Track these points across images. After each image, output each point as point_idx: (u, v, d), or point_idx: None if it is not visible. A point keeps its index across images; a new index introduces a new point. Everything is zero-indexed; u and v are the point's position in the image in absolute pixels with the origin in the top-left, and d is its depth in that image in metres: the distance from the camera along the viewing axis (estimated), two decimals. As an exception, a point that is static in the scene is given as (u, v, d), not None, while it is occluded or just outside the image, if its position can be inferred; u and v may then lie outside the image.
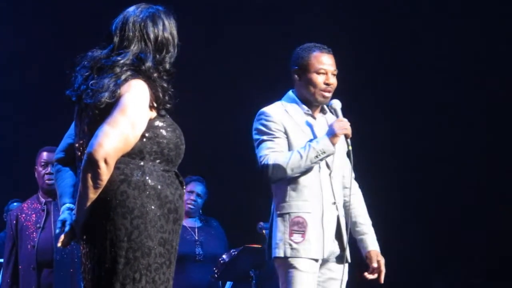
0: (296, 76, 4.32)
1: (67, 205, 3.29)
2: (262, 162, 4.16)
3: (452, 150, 7.32)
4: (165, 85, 3.24)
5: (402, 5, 7.41)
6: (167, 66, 3.27)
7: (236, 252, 6.07)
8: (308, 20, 7.12)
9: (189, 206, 6.42)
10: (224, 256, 6.05)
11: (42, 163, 5.41)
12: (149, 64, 3.22)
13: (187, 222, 6.41)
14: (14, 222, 5.40)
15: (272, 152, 4.17)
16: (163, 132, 3.22)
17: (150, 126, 3.19)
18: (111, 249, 3.11)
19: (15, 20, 7.55)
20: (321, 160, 4.18)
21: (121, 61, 3.20)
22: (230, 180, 6.86)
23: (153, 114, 3.21)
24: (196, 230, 6.43)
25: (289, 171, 4.14)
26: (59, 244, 3.28)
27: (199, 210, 6.54)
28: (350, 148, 4.24)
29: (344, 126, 4.21)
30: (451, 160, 7.32)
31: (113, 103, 3.13)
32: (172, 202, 3.19)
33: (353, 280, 4.40)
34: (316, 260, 4.18)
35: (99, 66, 3.23)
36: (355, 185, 4.43)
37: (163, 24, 3.29)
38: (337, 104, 4.32)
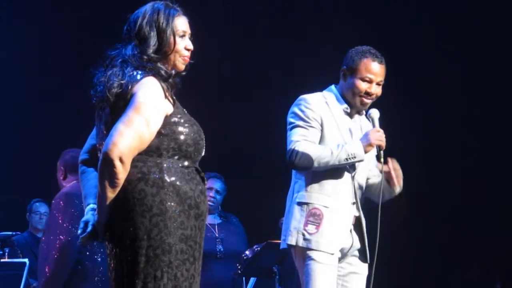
0: (343, 75, 4.32)
1: (91, 205, 3.28)
2: (293, 147, 4.16)
3: (472, 145, 7.26)
4: (165, 75, 3.22)
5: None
6: (149, 54, 3.24)
7: (259, 248, 6.06)
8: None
9: (208, 203, 6.40)
10: (247, 252, 6.04)
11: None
12: (131, 55, 3.21)
13: (207, 219, 6.39)
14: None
15: (304, 140, 4.17)
16: (180, 128, 3.21)
17: (167, 122, 3.18)
18: (132, 248, 3.11)
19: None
20: (349, 163, 4.18)
21: (117, 56, 3.23)
22: (252, 176, 6.86)
23: (170, 110, 3.20)
24: (216, 227, 6.42)
25: (315, 164, 4.13)
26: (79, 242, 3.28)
27: (218, 207, 6.53)
28: (382, 160, 4.22)
29: (380, 137, 4.21)
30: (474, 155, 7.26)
31: (125, 102, 3.13)
32: (192, 198, 3.18)
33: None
34: (332, 254, 4.16)
35: (108, 63, 3.25)
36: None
37: (148, 19, 3.27)
38: (375, 113, 4.31)
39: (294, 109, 4.28)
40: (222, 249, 6.30)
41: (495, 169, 7.27)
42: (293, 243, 4.17)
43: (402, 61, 7.15)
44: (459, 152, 7.33)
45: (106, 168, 3.07)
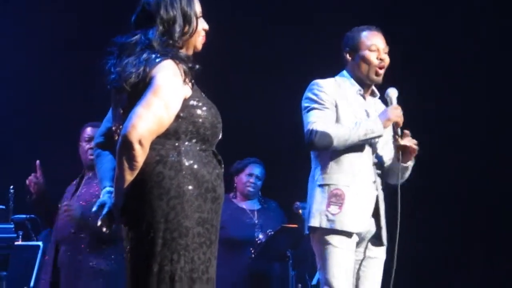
0: (348, 56, 4.38)
1: (107, 188, 3.28)
2: (311, 128, 4.19)
3: (495, 135, 7.20)
4: (184, 58, 3.22)
5: None
6: (176, 38, 3.24)
7: (273, 232, 6.06)
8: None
9: (249, 188, 6.40)
10: (260, 236, 6.05)
11: (86, 138, 5.39)
12: (157, 41, 3.20)
13: (246, 205, 6.40)
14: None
15: (321, 121, 4.20)
16: (198, 111, 3.21)
17: (185, 105, 3.18)
18: (149, 230, 3.11)
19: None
20: (368, 139, 4.21)
21: (137, 42, 3.21)
22: (266, 160, 6.84)
23: (188, 93, 3.20)
24: (256, 213, 6.40)
25: (335, 142, 4.17)
26: (99, 223, 3.27)
27: (258, 192, 6.51)
28: (399, 138, 4.26)
29: (398, 114, 4.27)
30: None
31: (144, 85, 3.13)
32: (209, 181, 3.18)
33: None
34: (351, 235, 4.16)
35: (122, 51, 3.23)
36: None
37: (170, 1, 3.26)
38: (393, 92, 4.35)
39: (308, 94, 4.32)
40: (261, 236, 6.30)
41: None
42: (317, 224, 4.18)
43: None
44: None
45: (125, 151, 3.07)
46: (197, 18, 3.30)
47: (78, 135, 5.48)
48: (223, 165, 3.30)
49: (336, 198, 4.17)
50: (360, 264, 4.28)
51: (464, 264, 7.23)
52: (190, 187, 3.13)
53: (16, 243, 5.64)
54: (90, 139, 5.34)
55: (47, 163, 5.46)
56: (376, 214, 4.27)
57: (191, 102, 3.20)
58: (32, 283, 5.68)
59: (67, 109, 7.29)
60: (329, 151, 4.21)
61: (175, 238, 3.10)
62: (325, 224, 4.17)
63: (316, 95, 4.28)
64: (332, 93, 4.28)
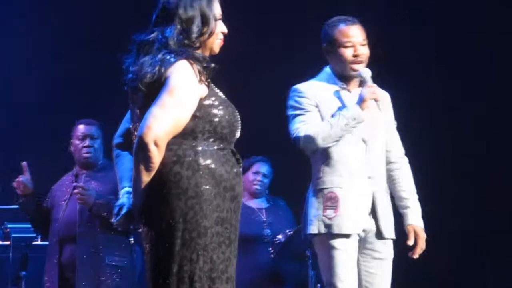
0: (326, 53, 4.31)
1: (126, 189, 3.28)
2: (294, 135, 4.17)
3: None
4: (199, 58, 3.21)
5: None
6: (193, 38, 3.23)
7: (291, 232, 6.04)
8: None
9: (256, 187, 6.38)
10: (279, 236, 6.03)
11: (80, 136, 5.40)
12: (174, 39, 3.20)
13: (254, 203, 6.39)
14: (48, 198, 5.46)
15: (303, 125, 4.16)
16: (215, 110, 3.20)
17: (201, 105, 3.17)
18: (167, 231, 3.11)
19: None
20: (352, 127, 4.13)
21: (155, 40, 3.20)
22: (292, 160, 6.81)
23: (204, 92, 3.19)
24: (264, 211, 6.38)
25: (320, 141, 4.12)
26: (114, 223, 3.27)
27: (265, 191, 6.49)
28: (380, 109, 4.20)
29: (372, 91, 4.18)
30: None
31: (160, 85, 3.12)
32: (227, 180, 3.17)
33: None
34: (349, 236, 4.12)
35: (140, 49, 3.23)
36: (401, 159, 4.37)
37: (190, 1, 3.24)
38: (366, 72, 4.25)
39: (289, 102, 4.28)
40: (270, 233, 6.28)
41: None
42: (315, 231, 4.15)
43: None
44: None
45: (141, 152, 3.07)
46: (216, 20, 3.29)
47: (70, 132, 5.48)
48: (241, 164, 3.29)
49: (331, 202, 4.12)
50: (363, 265, 4.21)
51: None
52: (208, 187, 3.12)
53: (34, 243, 5.66)
54: (84, 137, 5.39)
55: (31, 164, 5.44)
56: (373, 211, 4.21)
57: (207, 102, 3.19)
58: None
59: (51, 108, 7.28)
60: (321, 155, 4.16)
61: (193, 238, 3.09)
62: (323, 230, 4.12)
63: (296, 101, 4.23)
64: (312, 96, 4.21)
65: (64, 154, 5.54)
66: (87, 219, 5.18)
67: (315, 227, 4.15)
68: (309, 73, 4.40)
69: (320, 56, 4.37)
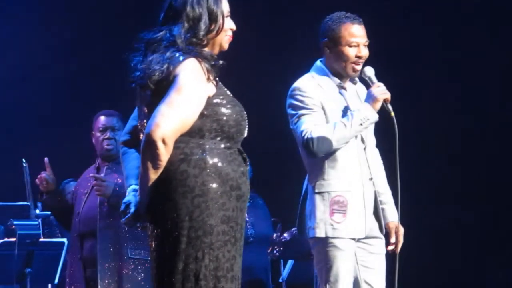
0: (326, 48, 4.22)
1: (133, 186, 3.28)
2: (306, 136, 4.06)
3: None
4: (207, 57, 3.21)
5: None
6: (201, 36, 3.23)
7: (296, 231, 6.03)
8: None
9: None
10: (285, 235, 6.02)
11: (100, 128, 5.31)
12: (182, 37, 3.19)
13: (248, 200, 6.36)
14: (73, 190, 5.44)
15: (314, 126, 4.08)
16: (223, 109, 3.20)
17: (209, 103, 3.17)
18: (173, 228, 3.11)
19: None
20: (365, 128, 4.11)
21: (162, 38, 3.20)
22: (273, 159, 6.82)
23: (212, 91, 3.19)
24: None
25: (334, 143, 4.06)
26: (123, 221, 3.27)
27: None
28: (393, 114, 4.15)
29: (383, 91, 4.14)
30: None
31: (168, 83, 3.13)
32: (234, 179, 3.17)
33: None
34: (355, 240, 4.12)
35: (147, 47, 3.23)
36: (377, 154, 4.35)
37: (198, 0, 3.24)
38: (370, 71, 4.23)
39: (291, 101, 4.20)
40: (253, 233, 6.27)
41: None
42: (323, 235, 4.09)
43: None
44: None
45: (149, 150, 3.07)
46: (223, 17, 3.28)
47: (91, 124, 5.40)
48: (248, 163, 3.29)
49: (339, 205, 4.07)
50: (361, 261, 4.18)
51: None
52: (214, 185, 3.13)
53: (40, 239, 5.65)
54: (105, 129, 5.30)
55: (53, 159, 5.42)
56: (375, 211, 4.20)
57: (215, 100, 3.20)
58: (56, 280, 5.68)
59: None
60: (324, 156, 4.10)
61: (199, 236, 3.10)
62: (331, 234, 4.07)
63: (300, 101, 4.15)
64: (316, 95, 4.15)
65: (88, 147, 5.50)
66: (107, 212, 5.12)
67: (322, 231, 4.09)
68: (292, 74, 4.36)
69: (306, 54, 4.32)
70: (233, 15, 3.33)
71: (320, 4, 6.31)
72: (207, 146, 3.16)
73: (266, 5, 7.43)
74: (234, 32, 3.32)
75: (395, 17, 7.18)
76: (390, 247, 4.25)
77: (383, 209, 4.26)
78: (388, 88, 4.17)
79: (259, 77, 7.15)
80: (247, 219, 6.31)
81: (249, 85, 6.86)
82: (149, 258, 5.03)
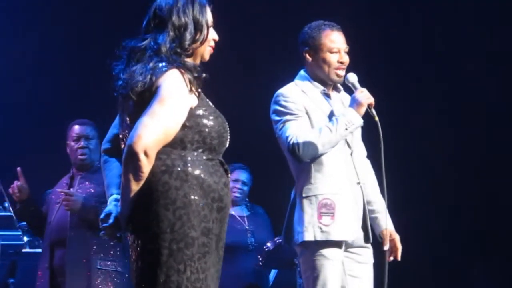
0: (308, 57, 4.28)
1: (114, 196, 3.27)
2: (291, 141, 4.09)
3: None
4: (190, 68, 3.21)
5: None
6: (186, 45, 3.23)
7: (280, 240, 6.04)
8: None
9: (235, 194, 6.37)
10: (268, 244, 6.02)
11: (74, 137, 5.32)
12: (167, 46, 3.19)
13: (235, 211, 6.37)
14: (46, 200, 5.42)
15: (299, 131, 4.11)
16: (205, 120, 3.20)
17: (191, 115, 3.17)
18: (155, 240, 3.10)
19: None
20: (350, 132, 4.14)
21: (147, 47, 3.20)
22: (271, 167, 6.80)
23: (194, 102, 3.19)
24: (246, 219, 6.38)
25: (320, 147, 4.09)
26: (102, 233, 3.26)
27: (245, 198, 6.49)
28: (377, 118, 4.19)
29: (367, 96, 4.19)
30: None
31: (150, 94, 3.12)
32: (216, 191, 3.17)
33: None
34: (342, 244, 4.11)
35: (131, 55, 3.22)
36: (367, 163, 4.38)
37: (183, 8, 3.24)
38: (353, 77, 4.28)
39: (275, 107, 4.23)
40: (254, 241, 6.27)
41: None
42: (311, 238, 4.09)
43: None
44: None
45: (131, 161, 3.06)
46: (208, 27, 3.29)
47: (65, 134, 5.40)
48: (230, 174, 3.29)
49: (326, 208, 4.09)
50: (348, 270, 4.19)
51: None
52: (196, 197, 3.12)
53: (23, 250, 5.63)
54: (79, 138, 5.30)
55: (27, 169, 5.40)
56: (364, 220, 4.21)
57: (198, 112, 3.19)
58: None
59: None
60: (311, 160, 4.12)
61: (181, 248, 3.09)
62: (319, 237, 4.07)
63: (283, 106, 4.19)
64: (299, 101, 4.19)
65: (63, 157, 5.49)
66: (77, 222, 5.12)
67: (310, 234, 4.09)
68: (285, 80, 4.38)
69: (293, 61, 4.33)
70: (224, 22, 3.34)
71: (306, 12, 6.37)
72: (189, 158, 3.16)
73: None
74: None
75: (375, 23, 7.20)
76: (391, 257, 4.27)
77: (376, 218, 4.28)
78: (372, 94, 4.23)
79: (258, 84, 7.17)
80: (247, 227, 6.31)
81: (250, 92, 6.92)
82: (118, 269, 5.14)
